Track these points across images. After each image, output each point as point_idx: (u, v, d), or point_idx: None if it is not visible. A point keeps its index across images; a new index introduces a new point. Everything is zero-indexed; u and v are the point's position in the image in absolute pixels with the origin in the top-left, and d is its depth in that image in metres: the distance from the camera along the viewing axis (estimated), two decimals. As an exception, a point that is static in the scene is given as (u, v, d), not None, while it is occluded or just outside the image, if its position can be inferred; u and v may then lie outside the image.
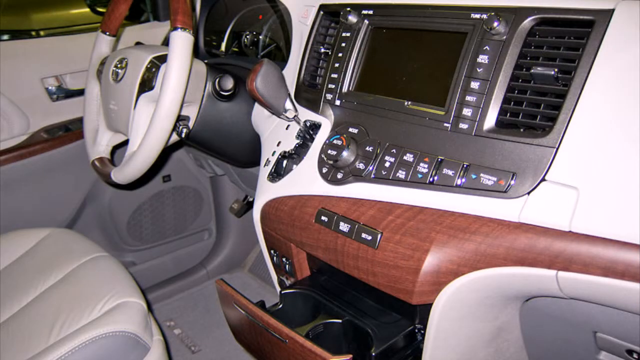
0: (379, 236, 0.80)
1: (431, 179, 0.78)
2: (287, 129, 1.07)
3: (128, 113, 1.15)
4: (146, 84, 1.13)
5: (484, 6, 0.78)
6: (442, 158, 0.78)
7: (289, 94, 1.01)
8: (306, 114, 1.03)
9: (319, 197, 0.92)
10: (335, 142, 0.89)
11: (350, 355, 0.73)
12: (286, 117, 1.01)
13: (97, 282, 1.17)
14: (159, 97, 1.01)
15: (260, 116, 1.19)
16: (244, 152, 1.32)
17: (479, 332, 0.83)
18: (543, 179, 0.67)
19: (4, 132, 1.56)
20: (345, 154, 0.87)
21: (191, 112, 1.21)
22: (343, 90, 0.96)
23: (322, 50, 1.04)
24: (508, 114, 0.74)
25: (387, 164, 0.84)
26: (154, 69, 1.13)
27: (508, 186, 0.70)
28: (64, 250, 1.30)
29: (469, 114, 0.76)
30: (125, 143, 1.22)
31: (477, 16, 0.78)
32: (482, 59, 0.76)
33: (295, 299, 0.98)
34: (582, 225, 0.63)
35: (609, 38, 0.66)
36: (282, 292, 0.98)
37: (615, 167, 0.62)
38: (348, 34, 0.97)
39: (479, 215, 0.73)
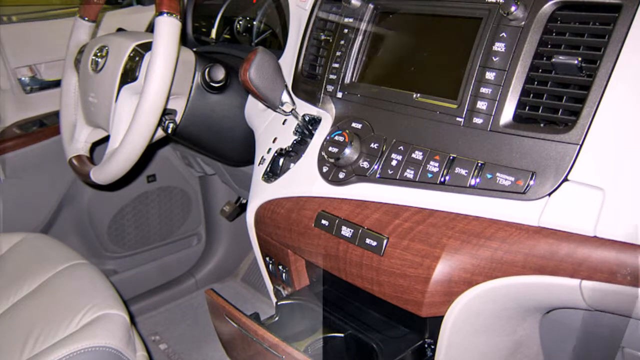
0: (384, 242, 0.80)
1: (442, 179, 0.78)
2: (283, 124, 1.07)
3: (109, 106, 1.15)
4: (129, 75, 1.13)
5: (501, -11, 0.78)
6: (455, 156, 0.78)
7: (286, 86, 1.01)
8: (305, 108, 1.03)
9: (319, 199, 0.92)
10: (336, 138, 0.89)
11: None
12: (283, 110, 1.01)
13: (75, 292, 1.17)
14: (143, 89, 1.01)
15: (254, 110, 1.19)
16: (237, 150, 1.33)
17: (495, 347, 0.83)
18: (565, 179, 0.67)
19: (-27, 127, 1.57)
20: (347, 151, 0.88)
21: (178, 105, 1.21)
22: (345, 82, 0.96)
23: (323, 37, 1.04)
24: (527, 108, 0.74)
25: (393, 163, 0.84)
26: (137, 58, 1.13)
27: (527, 187, 0.70)
28: (39, 257, 1.30)
29: (484, 107, 0.76)
30: (105, 139, 1.22)
31: (493, 0, 0.78)
32: (499, 46, 0.76)
33: (292, 310, 0.98)
34: (609, 229, 0.63)
35: (638, 24, 0.66)
36: (279, 303, 0.98)
37: (644, 166, 0.62)
38: (351, 20, 0.97)
39: (494, 218, 0.73)
